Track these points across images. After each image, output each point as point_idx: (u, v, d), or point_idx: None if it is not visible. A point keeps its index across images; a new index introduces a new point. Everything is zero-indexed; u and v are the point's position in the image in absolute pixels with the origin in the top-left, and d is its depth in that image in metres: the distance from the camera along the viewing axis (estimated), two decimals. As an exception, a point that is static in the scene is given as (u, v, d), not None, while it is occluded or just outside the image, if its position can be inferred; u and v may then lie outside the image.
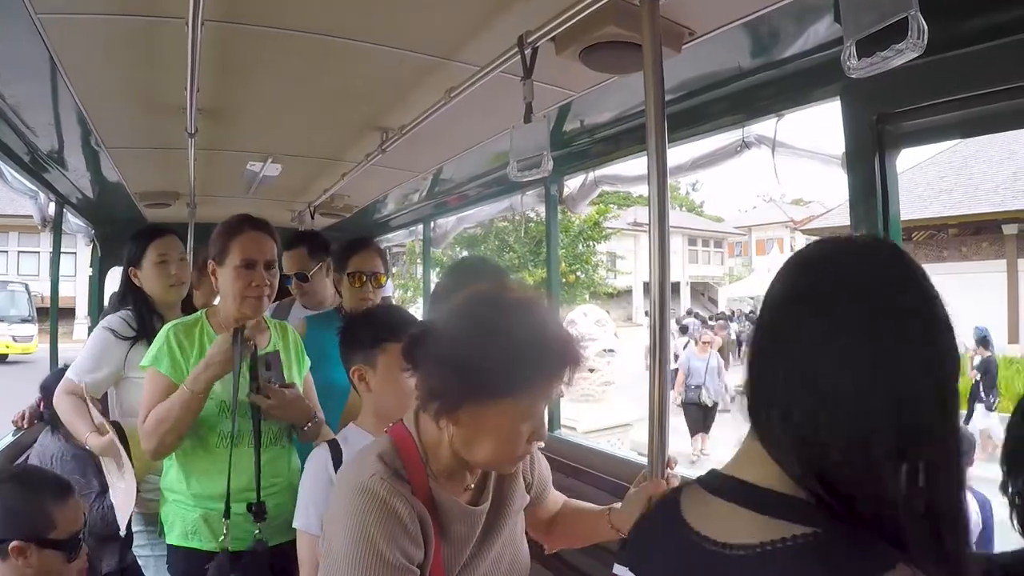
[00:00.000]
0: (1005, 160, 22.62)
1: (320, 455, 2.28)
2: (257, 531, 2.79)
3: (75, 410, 3.24)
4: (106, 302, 6.81)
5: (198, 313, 3.08)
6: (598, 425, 11.04)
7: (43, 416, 4.15)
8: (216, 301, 3.09)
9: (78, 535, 2.30)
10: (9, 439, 4.34)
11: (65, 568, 2.24)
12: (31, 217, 5.54)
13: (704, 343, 16.02)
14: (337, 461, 2.22)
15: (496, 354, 1.57)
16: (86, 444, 3.16)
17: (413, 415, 1.80)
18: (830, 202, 35.49)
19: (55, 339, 5.82)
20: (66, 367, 3.48)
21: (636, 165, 3.87)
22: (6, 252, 32.39)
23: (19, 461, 4.13)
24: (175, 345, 2.87)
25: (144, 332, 3.44)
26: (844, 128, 2.53)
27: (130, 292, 3.61)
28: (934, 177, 23.95)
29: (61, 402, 3.27)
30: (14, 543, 2.13)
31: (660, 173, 1.91)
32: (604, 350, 12.07)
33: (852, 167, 2.52)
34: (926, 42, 1.54)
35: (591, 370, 10.84)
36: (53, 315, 5.90)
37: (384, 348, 2.31)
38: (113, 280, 4.62)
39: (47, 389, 4.10)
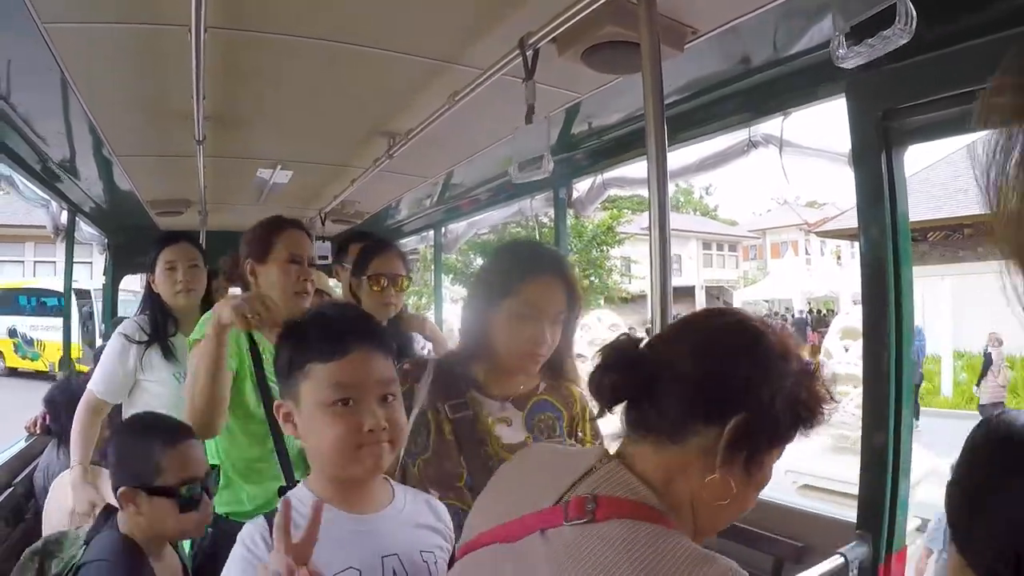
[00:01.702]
0: (1021, 159, 22.44)
1: (251, 534, 1.57)
2: None
3: (84, 432, 3.34)
4: (120, 310, 6.87)
5: None
6: (613, 429, 10.96)
7: (50, 429, 4.18)
8: None
9: (192, 483, 2.17)
10: (22, 444, 4.36)
11: (180, 518, 2.14)
12: (47, 227, 5.59)
13: None
14: None
15: (784, 393, 1.23)
16: (70, 467, 3.31)
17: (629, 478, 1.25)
18: (844, 204, 35.32)
19: (68, 347, 5.86)
20: (68, 378, 3.53)
21: (644, 167, 3.84)
22: (22, 262, 32.54)
23: (27, 471, 4.16)
24: (240, 342, 2.82)
25: (157, 336, 3.51)
26: (850, 125, 2.52)
27: (148, 297, 3.66)
28: (948, 176, 23.75)
29: (80, 416, 3.35)
30: (122, 489, 2.09)
31: (660, 172, 1.91)
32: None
33: (858, 164, 2.51)
34: (914, 29, 1.53)
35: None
36: (66, 324, 5.95)
37: (307, 373, 1.62)
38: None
39: (52, 402, 4.14)
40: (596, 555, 1.12)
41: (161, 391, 3.41)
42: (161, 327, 3.54)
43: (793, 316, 33.57)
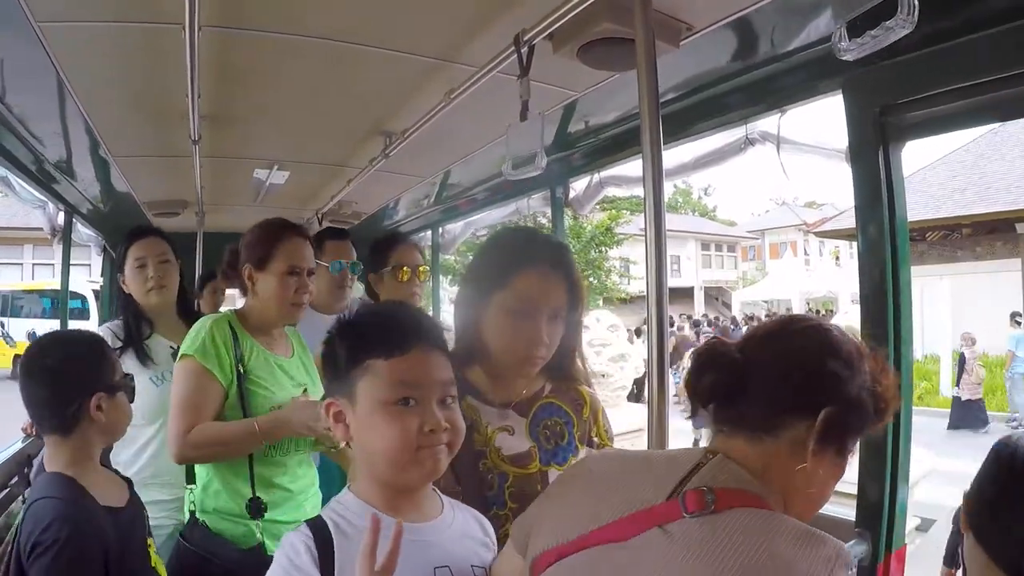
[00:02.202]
0: (1018, 159, 22.45)
1: (293, 543, 1.49)
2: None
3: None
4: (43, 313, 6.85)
5: (224, 313, 2.96)
6: (616, 430, 10.95)
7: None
8: (239, 305, 3.04)
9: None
10: (19, 446, 4.35)
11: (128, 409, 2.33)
12: (44, 229, 5.58)
13: None
14: (324, 552, 1.47)
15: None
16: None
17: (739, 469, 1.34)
18: (843, 204, 35.34)
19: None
20: None
21: (640, 166, 3.83)
22: (21, 264, 32.56)
23: (25, 471, 4.14)
24: (217, 338, 2.76)
25: (131, 340, 3.42)
26: (847, 121, 2.52)
27: (119, 298, 3.61)
28: (946, 176, 23.80)
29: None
30: (94, 398, 2.14)
31: (655, 170, 1.91)
32: (618, 355, 12.01)
33: (856, 160, 2.51)
34: (916, 19, 1.52)
35: (603, 375, 10.79)
36: (63, 326, 5.93)
37: (366, 369, 1.53)
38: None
39: None
40: (729, 542, 1.21)
41: (138, 397, 3.11)
42: (134, 330, 3.45)
43: (792, 316, 33.54)
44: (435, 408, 1.52)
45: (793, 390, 1.36)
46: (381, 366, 1.51)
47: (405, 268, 3.66)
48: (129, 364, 3.25)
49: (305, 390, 2.90)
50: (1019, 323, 17.49)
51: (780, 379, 1.37)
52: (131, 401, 2.35)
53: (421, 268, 3.79)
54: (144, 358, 3.40)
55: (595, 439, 2.28)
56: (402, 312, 1.67)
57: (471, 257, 2.42)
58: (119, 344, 3.34)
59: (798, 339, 1.43)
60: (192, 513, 2.78)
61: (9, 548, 2.07)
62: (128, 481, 2.41)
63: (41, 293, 23.09)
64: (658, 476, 1.39)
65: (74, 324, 6.74)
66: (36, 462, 4.05)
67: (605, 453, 1.89)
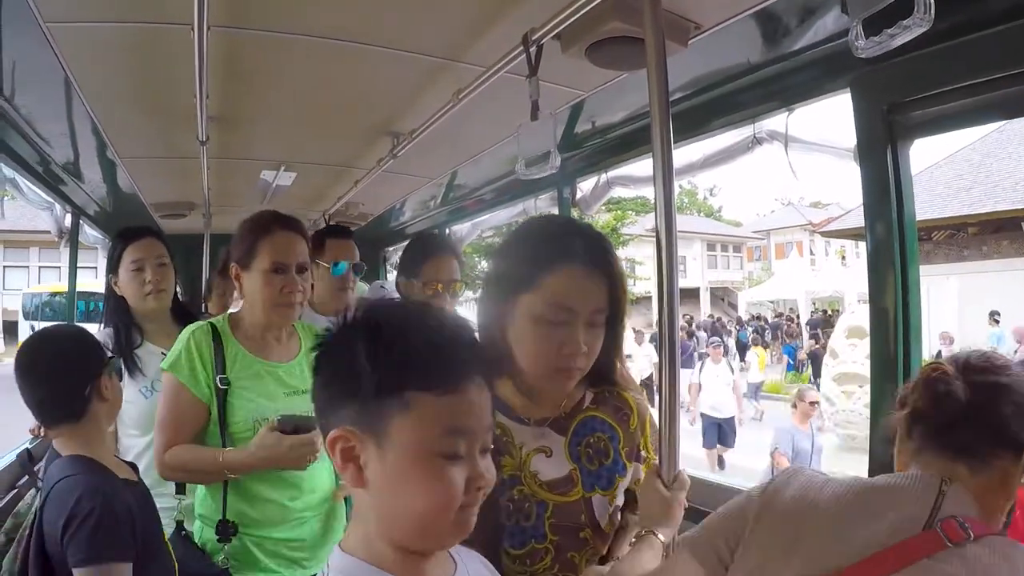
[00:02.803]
0: (1024, 157, 22.48)
1: None
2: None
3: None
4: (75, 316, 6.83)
5: (219, 318, 2.79)
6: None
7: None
8: (234, 308, 2.93)
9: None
10: (27, 447, 4.35)
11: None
12: (51, 231, 5.58)
13: (809, 404, 9.67)
14: None
15: None
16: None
17: None
18: (849, 204, 35.31)
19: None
20: None
21: (648, 166, 3.80)
22: (28, 267, 32.64)
23: (36, 470, 4.14)
24: (194, 350, 2.60)
25: (120, 350, 3.24)
26: (855, 120, 2.51)
27: (109, 304, 3.40)
28: (952, 176, 23.77)
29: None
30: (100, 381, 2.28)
31: (665, 169, 1.89)
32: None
33: (864, 159, 2.51)
34: (933, 16, 1.51)
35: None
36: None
37: (408, 403, 1.15)
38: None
39: None
40: (1002, 571, 1.31)
41: (129, 409, 3.08)
42: (124, 339, 3.28)
43: (798, 316, 33.50)
44: (478, 459, 1.20)
45: (1009, 425, 1.44)
46: (429, 404, 1.15)
47: (437, 284, 3.30)
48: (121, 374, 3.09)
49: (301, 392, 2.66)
50: (997, 321, 17.51)
51: (1000, 414, 1.44)
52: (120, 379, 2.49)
53: (456, 285, 3.41)
54: (133, 369, 3.24)
55: (643, 452, 2.02)
56: (458, 331, 1.25)
57: (495, 250, 1.97)
58: (108, 354, 3.10)
59: (1016, 376, 1.50)
60: (179, 523, 2.78)
61: (25, 542, 2.10)
62: (133, 465, 2.47)
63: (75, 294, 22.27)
64: (900, 509, 1.43)
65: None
66: (44, 461, 4.05)
67: (810, 481, 1.64)
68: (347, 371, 1.18)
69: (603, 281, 1.76)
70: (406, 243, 3.71)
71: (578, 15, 2.10)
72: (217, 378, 2.58)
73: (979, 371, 1.50)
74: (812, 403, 9.64)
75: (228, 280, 2.99)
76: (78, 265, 5.85)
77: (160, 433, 2.59)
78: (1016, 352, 16.56)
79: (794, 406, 9.51)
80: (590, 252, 1.76)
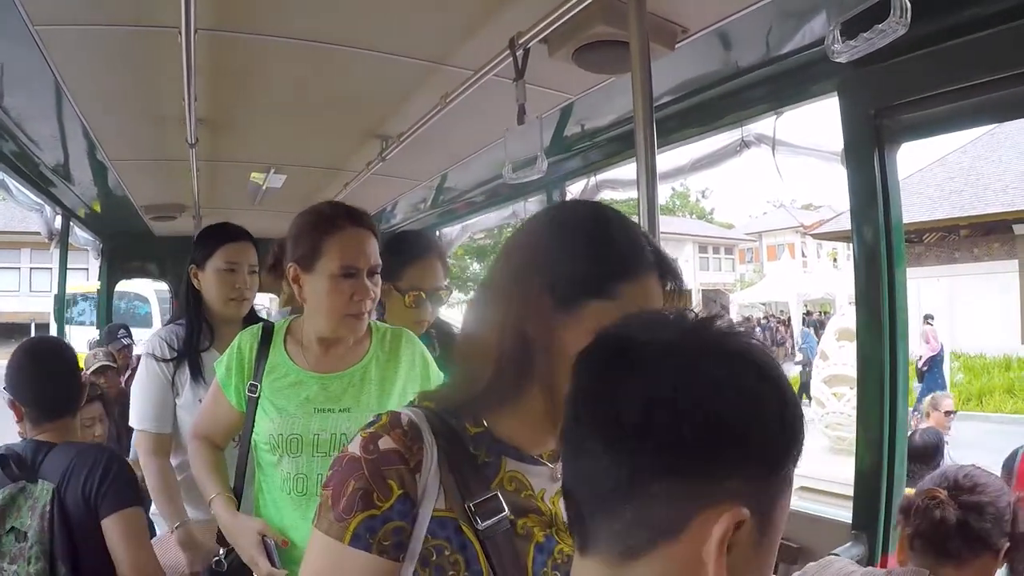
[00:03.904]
0: (1014, 160, 22.49)
1: None
2: None
3: (161, 484, 2.83)
4: (113, 316, 6.78)
5: (280, 321, 2.49)
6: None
7: None
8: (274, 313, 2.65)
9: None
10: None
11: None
12: (41, 233, 5.57)
13: (945, 415, 7.92)
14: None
15: None
16: (171, 530, 2.79)
17: None
18: (840, 206, 35.32)
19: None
20: None
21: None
22: (18, 268, 32.49)
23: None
24: (235, 353, 2.38)
25: (188, 350, 2.96)
26: (842, 123, 2.53)
27: (187, 300, 3.07)
28: (943, 178, 23.84)
29: (147, 468, 2.85)
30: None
31: (649, 172, 1.90)
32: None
33: (851, 162, 2.52)
34: (909, 20, 1.52)
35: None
36: (60, 332, 5.93)
37: None
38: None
39: None
40: None
41: (186, 417, 2.87)
42: (197, 340, 2.98)
43: (789, 319, 33.48)
44: None
45: (995, 534, 1.93)
46: None
47: (418, 293, 2.92)
48: (181, 377, 2.93)
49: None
50: (931, 324, 17.58)
51: (988, 527, 1.93)
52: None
53: (442, 292, 3.04)
54: (196, 373, 2.94)
55: None
56: None
57: (525, 232, 1.39)
58: (173, 354, 2.94)
59: (994, 491, 1.98)
60: None
61: (48, 517, 2.16)
62: None
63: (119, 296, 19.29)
64: None
65: (139, 332, 6.69)
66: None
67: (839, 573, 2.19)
68: None
69: (667, 296, 1.31)
70: (385, 242, 3.07)
71: (565, 19, 2.10)
72: (248, 384, 2.34)
73: (966, 491, 1.96)
74: (948, 412, 7.99)
75: (269, 279, 2.62)
76: (68, 267, 5.84)
77: (198, 419, 2.54)
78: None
79: (927, 415, 7.95)
80: (658, 259, 1.29)
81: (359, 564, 1.13)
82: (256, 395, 2.33)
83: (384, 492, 1.14)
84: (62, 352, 2.52)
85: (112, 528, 2.17)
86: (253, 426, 2.32)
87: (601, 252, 1.26)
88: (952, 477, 2.02)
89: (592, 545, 0.83)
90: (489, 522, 1.17)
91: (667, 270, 1.28)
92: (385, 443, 1.18)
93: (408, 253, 2.97)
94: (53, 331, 7.25)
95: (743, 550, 0.80)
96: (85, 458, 2.22)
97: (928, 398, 8.33)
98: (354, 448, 1.19)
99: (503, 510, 1.19)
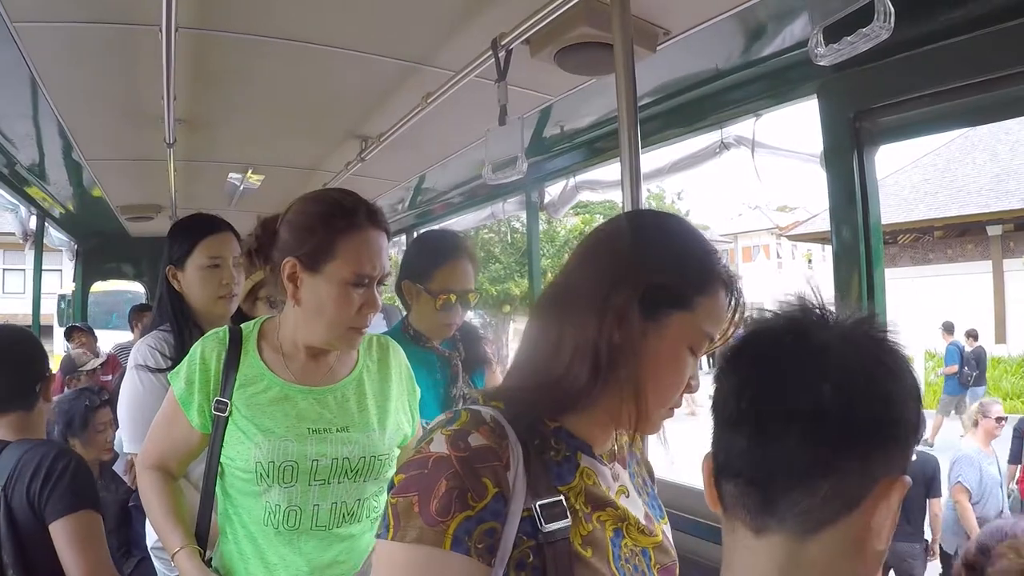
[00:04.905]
0: (988, 162, 22.73)
1: None
2: None
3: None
4: (88, 317, 6.71)
5: (248, 324, 2.14)
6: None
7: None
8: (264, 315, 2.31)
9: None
10: None
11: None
12: (15, 233, 5.52)
13: (996, 421, 7.13)
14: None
15: None
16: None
17: None
18: (815, 208, 35.56)
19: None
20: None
21: (615, 170, 3.81)
22: (-9, 269, 32.15)
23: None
24: (198, 362, 2.01)
25: (183, 358, 2.38)
26: (822, 126, 2.53)
27: (170, 304, 2.75)
28: (919, 180, 24.05)
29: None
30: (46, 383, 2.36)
31: (633, 174, 1.91)
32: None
33: (831, 165, 2.53)
34: (893, 25, 1.54)
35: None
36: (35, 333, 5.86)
37: None
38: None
39: None
40: None
41: None
42: (189, 345, 2.34)
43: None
44: None
45: None
46: None
47: (450, 295, 2.74)
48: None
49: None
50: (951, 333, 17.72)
51: None
52: None
53: (471, 296, 2.84)
54: None
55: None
56: None
57: (645, 230, 1.41)
58: (168, 363, 2.55)
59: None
60: None
61: None
62: None
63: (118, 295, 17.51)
64: None
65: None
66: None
67: None
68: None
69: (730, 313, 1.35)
70: (413, 239, 2.92)
71: (547, 20, 2.10)
72: (215, 401, 1.98)
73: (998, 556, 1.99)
74: (999, 419, 7.22)
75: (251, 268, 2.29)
76: (43, 268, 5.78)
77: (148, 444, 2.13)
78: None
79: (975, 424, 7.19)
80: (733, 276, 1.34)
81: (462, 570, 1.08)
82: (226, 414, 1.98)
83: (479, 491, 1.10)
84: (18, 341, 2.33)
85: (59, 534, 2.01)
86: (221, 451, 1.98)
87: (687, 266, 1.31)
88: (1011, 533, 2.03)
89: (776, 525, 0.91)
90: (553, 526, 1.15)
91: (732, 284, 1.33)
92: (475, 439, 1.14)
93: (439, 254, 2.81)
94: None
95: (894, 516, 0.93)
96: (32, 457, 2.09)
97: (975, 405, 7.64)
98: (438, 447, 1.14)
99: (565, 516, 1.17)
